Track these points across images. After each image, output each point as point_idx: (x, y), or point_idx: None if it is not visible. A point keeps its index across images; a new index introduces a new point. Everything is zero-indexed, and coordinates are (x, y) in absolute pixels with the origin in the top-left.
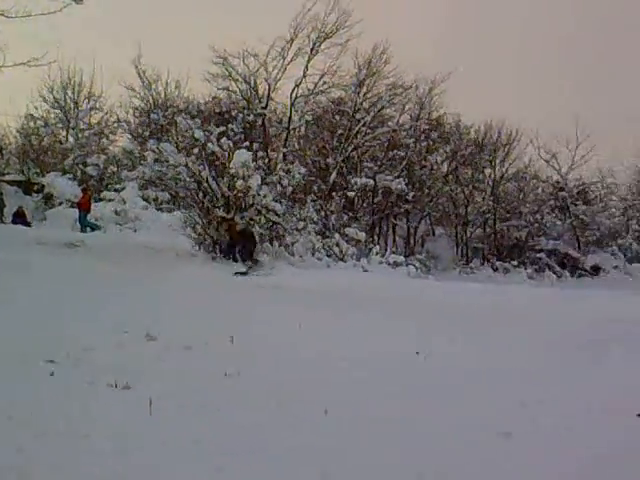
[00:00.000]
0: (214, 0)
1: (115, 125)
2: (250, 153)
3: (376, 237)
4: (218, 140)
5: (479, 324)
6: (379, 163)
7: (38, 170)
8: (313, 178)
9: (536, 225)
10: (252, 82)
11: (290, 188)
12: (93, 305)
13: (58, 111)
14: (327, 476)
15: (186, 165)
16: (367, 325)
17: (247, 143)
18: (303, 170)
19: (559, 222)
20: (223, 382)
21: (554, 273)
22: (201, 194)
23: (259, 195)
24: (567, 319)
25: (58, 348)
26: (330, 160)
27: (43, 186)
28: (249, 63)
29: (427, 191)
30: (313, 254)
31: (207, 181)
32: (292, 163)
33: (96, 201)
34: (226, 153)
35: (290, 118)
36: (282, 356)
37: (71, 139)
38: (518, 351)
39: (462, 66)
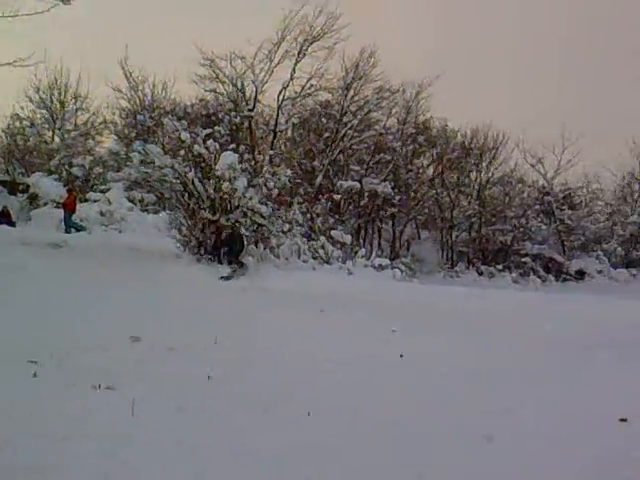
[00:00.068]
0: (202, 2)
1: (101, 126)
2: (236, 155)
3: (362, 240)
4: (204, 142)
5: (464, 327)
6: (365, 166)
7: (23, 170)
8: (299, 181)
9: (521, 229)
10: (239, 84)
11: (276, 190)
12: (77, 306)
13: (44, 111)
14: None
15: (172, 167)
16: (352, 327)
17: (234, 145)
18: (289, 172)
19: (544, 226)
20: (207, 384)
21: (539, 277)
22: (187, 196)
23: (245, 197)
24: (553, 323)
25: (41, 349)
26: (316, 163)
27: (28, 186)
28: (236, 65)
29: (413, 195)
30: (299, 257)
31: (193, 183)
32: (278, 166)
33: (81, 202)
34: (212, 155)
35: (277, 121)
36: (267, 358)
37: (57, 140)
38: (505, 354)
39: (448, 70)
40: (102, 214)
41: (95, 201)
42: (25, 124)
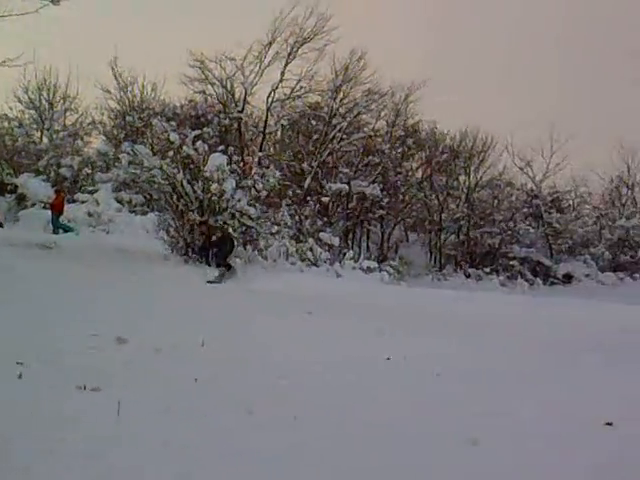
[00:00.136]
0: (191, 3)
1: (90, 127)
2: (225, 157)
3: (350, 242)
4: (193, 143)
5: (452, 329)
6: (354, 169)
7: (11, 171)
8: (288, 183)
9: (509, 232)
10: (229, 86)
11: (265, 192)
12: (64, 307)
13: (33, 112)
14: None
15: (161, 168)
16: (340, 329)
17: (222, 147)
18: (278, 174)
19: (532, 230)
20: (193, 386)
21: (526, 281)
22: (175, 197)
23: (233, 199)
24: (541, 326)
25: (27, 350)
26: (305, 165)
27: (16, 187)
28: (226, 67)
29: (401, 197)
30: (287, 259)
31: (181, 184)
32: (267, 167)
33: (70, 203)
34: (201, 156)
35: (266, 122)
36: (254, 360)
37: (45, 140)
38: (494, 356)
39: (437, 73)
40: (90, 215)
41: (83, 202)
42: (13, 124)
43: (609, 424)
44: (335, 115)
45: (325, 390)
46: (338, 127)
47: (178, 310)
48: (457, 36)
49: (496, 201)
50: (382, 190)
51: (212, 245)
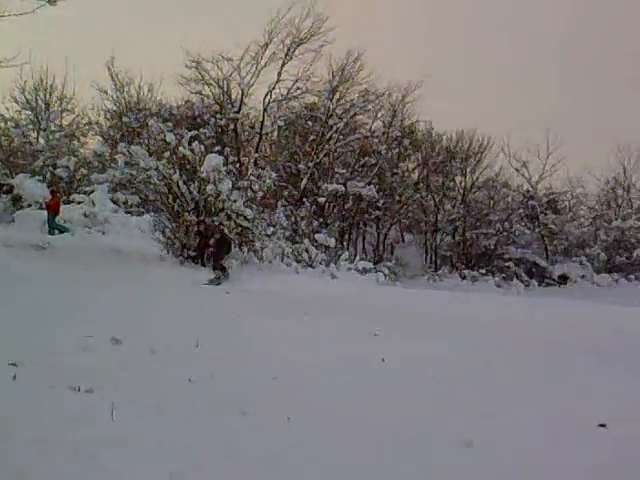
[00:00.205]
0: (188, 3)
1: (86, 127)
2: (221, 157)
3: (346, 243)
4: (189, 144)
5: (447, 331)
6: (350, 169)
7: (7, 171)
8: (284, 184)
9: (505, 233)
10: (225, 86)
11: (261, 193)
12: (59, 308)
13: (29, 112)
14: None
15: (157, 168)
16: (336, 331)
17: (219, 147)
18: (274, 175)
19: (528, 231)
20: (187, 387)
21: (522, 282)
22: (171, 198)
23: (229, 200)
24: (536, 327)
25: (22, 351)
26: (301, 166)
27: (12, 187)
28: (222, 67)
29: (398, 198)
30: (282, 260)
31: (177, 185)
32: (263, 168)
33: (65, 203)
34: (197, 157)
35: (262, 123)
36: (249, 361)
37: (42, 141)
38: (489, 357)
39: (435, 74)
40: (86, 216)
41: (79, 203)
42: (10, 125)
43: (602, 425)
44: (332, 116)
45: (320, 391)
46: (334, 128)
47: (173, 311)
48: (454, 37)
49: (492, 202)
50: (378, 191)
51: (209, 246)
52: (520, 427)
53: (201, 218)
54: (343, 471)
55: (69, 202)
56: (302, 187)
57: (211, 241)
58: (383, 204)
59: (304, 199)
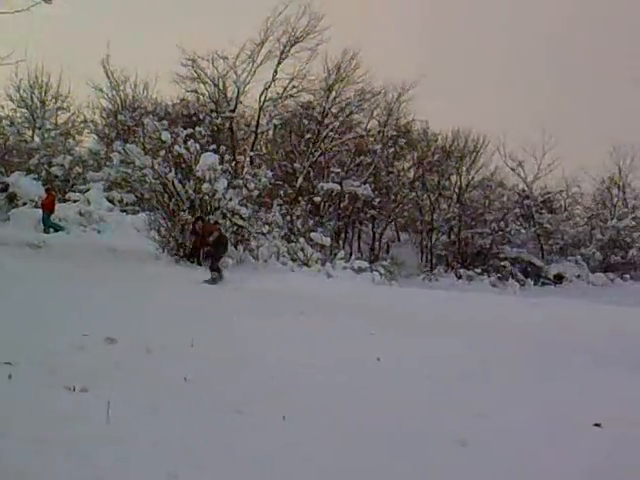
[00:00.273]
0: (184, 1)
1: (82, 126)
2: (217, 156)
3: (341, 242)
4: (185, 142)
5: (444, 330)
6: (346, 168)
7: (2, 169)
8: (280, 182)
9: (500, 233)
10: (221, 85)
11: (256, 192)
12: (54, 306)
13: (24, 110)
14: None
15: (152, 167)
16: (332, 330)
17: (214, 146)
18: (270, 174)
19: (523, 230)
20: (182, 387)
21: (517, 281)
22: (166, 196)
23: (225, 198)
24: (532, 327)
25: (17, 351)
26: (297, 165)
27: (7, 185)
28: (218, 66)
29: (393, 197)
30: (278, 259)
31: (173, 183)
32: (259, 167)
33: (61, 202)
34: (193, 156)
35: (258, 122)
36: (245, 360)
37: (37, 139)
38: (485, 356)
39: (431, 73)
40: (81, 214)
41: (74, 201)
42: (5, 123)
43: (597, 425)
44: (327, 114)
45: (316, 390)
46: (330, 126)
47: (168, 310)
48: (450, 36)
49: (487, 201)
50: (374, 190)
51: (206, 245)
52: (515, 426)
53: (198, 215)
54: (339, 470)
55: (64, 200)
56: (298, 186)
57: (210, 239)
58: (379, 203)
59: (300, 198)
